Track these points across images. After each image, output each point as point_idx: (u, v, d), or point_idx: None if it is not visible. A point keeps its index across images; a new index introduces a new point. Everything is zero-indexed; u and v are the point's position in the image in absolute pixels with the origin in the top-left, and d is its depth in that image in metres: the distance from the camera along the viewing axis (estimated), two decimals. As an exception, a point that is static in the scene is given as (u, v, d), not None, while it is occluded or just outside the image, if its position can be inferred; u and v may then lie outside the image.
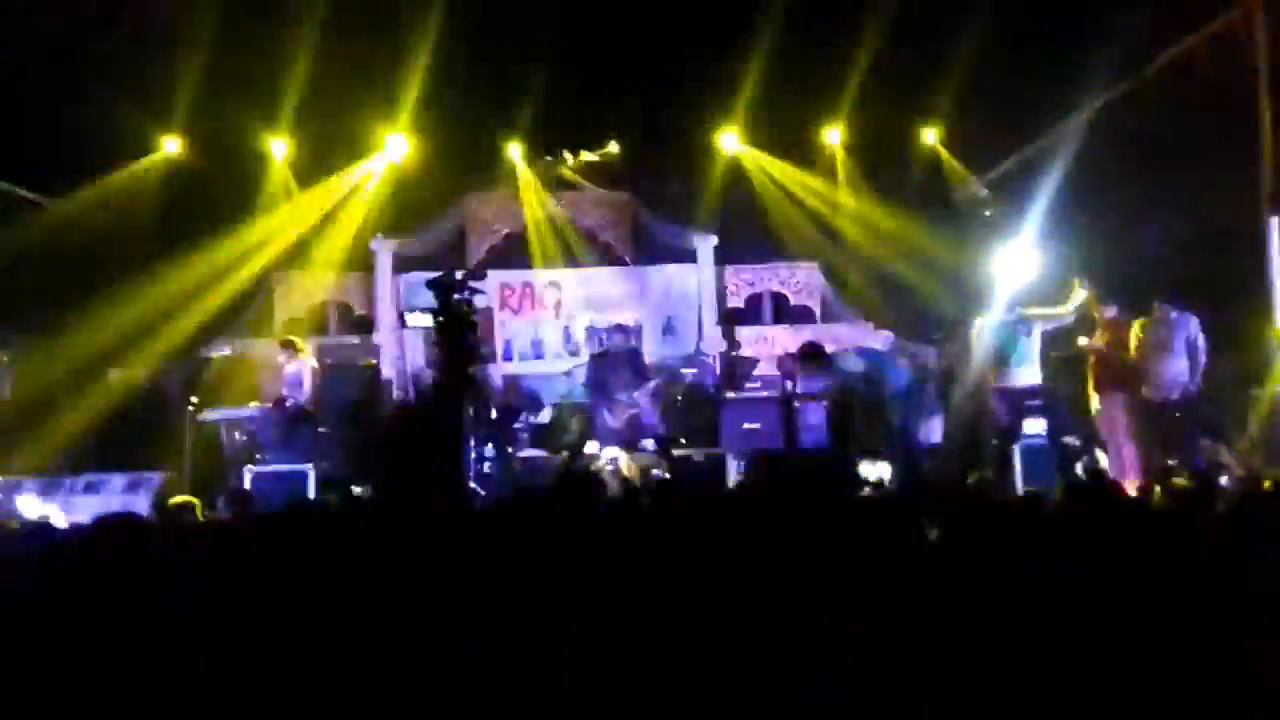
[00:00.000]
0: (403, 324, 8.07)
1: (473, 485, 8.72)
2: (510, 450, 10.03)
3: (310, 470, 9.41)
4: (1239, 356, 8.91)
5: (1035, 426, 8.54)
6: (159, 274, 11.50)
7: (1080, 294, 8.81)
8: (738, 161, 13.25)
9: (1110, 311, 8.63)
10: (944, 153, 13.07)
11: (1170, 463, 7.88)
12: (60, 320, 10.90)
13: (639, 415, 9.82)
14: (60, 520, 7.09)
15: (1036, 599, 2.65)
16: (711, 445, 10.34)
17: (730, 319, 13.35)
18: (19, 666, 2.61)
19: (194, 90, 11.25)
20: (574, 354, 12.76)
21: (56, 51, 10.05)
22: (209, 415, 10.56)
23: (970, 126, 12.42)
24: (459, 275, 7.78)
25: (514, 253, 13.51)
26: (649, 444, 9.94)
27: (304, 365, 10.23)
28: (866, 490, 5.13)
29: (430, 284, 7.10)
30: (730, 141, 13.09)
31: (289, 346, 10.45)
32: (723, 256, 13.41)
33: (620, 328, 11.07)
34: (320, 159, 12.76)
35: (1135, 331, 8.43)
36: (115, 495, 8.92)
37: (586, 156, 13.40)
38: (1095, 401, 8.68)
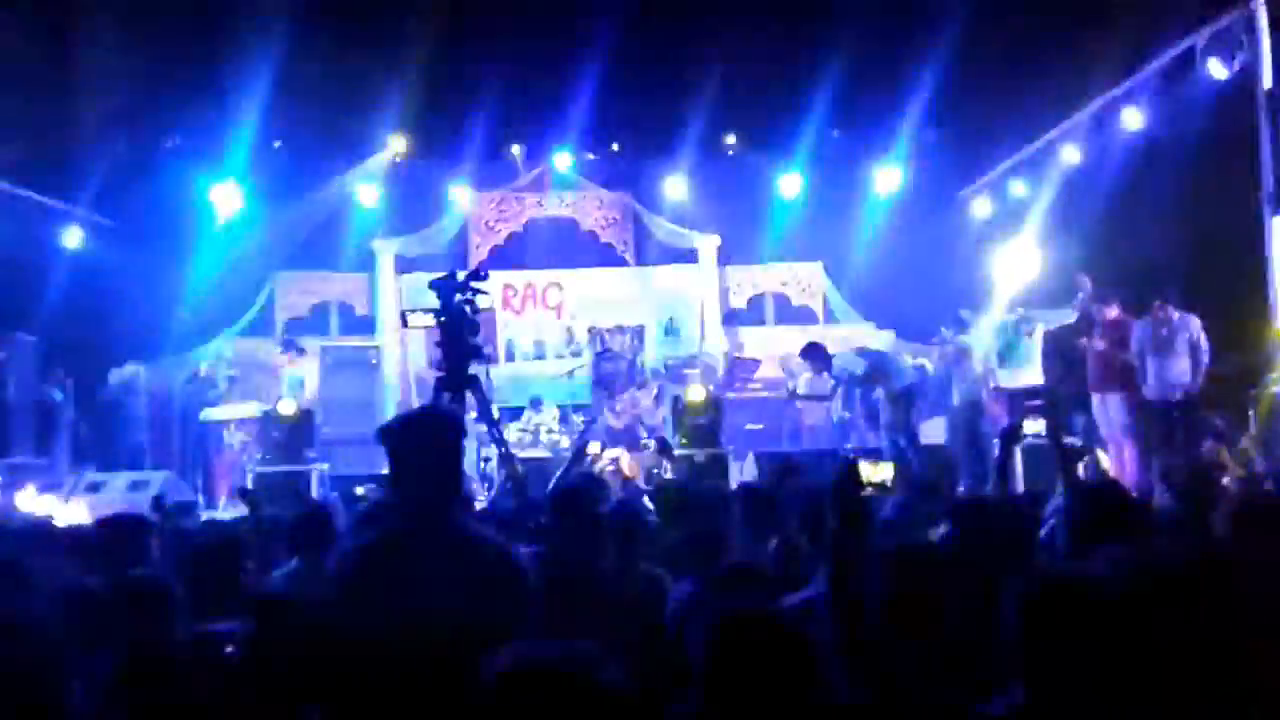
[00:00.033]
0: (405, 324, 8.07)
1: (474, 486, 8.74)
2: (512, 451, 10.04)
3: (313, 470, 9.42)
4: (1239, 356, 8.92)
5: (1035, 426, 8.55)
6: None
7: (1081, 294, 8.83)
8: (738, 162, 13.27)
9: (1111, 311, 8.64)
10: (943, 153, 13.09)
11: (1171, 463, 7.89)
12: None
13: (640, 415, 9.84)
14: (64, 518, 7.11)
15: (1036, 598, 2.66)
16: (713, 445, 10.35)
17: (732, 320, 13.38)
18: None
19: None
20: (576, 355, 12.78)
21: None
22: (211, 415, 10.58)
23: (970, 126, 12.43)
24: (462, 275, 7.79)
25: (515, 253, 13.53)
26: (650, 444, 9.96)
27: (306, 366, 10.25)
28: (869, 491, 5.13)
29: (433, 284, 7.10)
30: (731, 142, 13.11)
31: (291, 347, 10.47)
32: (724, 257, 13.43)
33: (621, 329, 11.08)
34: (321, 160, 12.79)
35: (1136, 332, 8.44)
36: (117, 495, 8.93)
37: (587, 156, 13.42)
38: (1096, 401, 8.69)
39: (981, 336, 9.77)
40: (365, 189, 12.92)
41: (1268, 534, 3.16)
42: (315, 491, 9.19)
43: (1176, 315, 8.31)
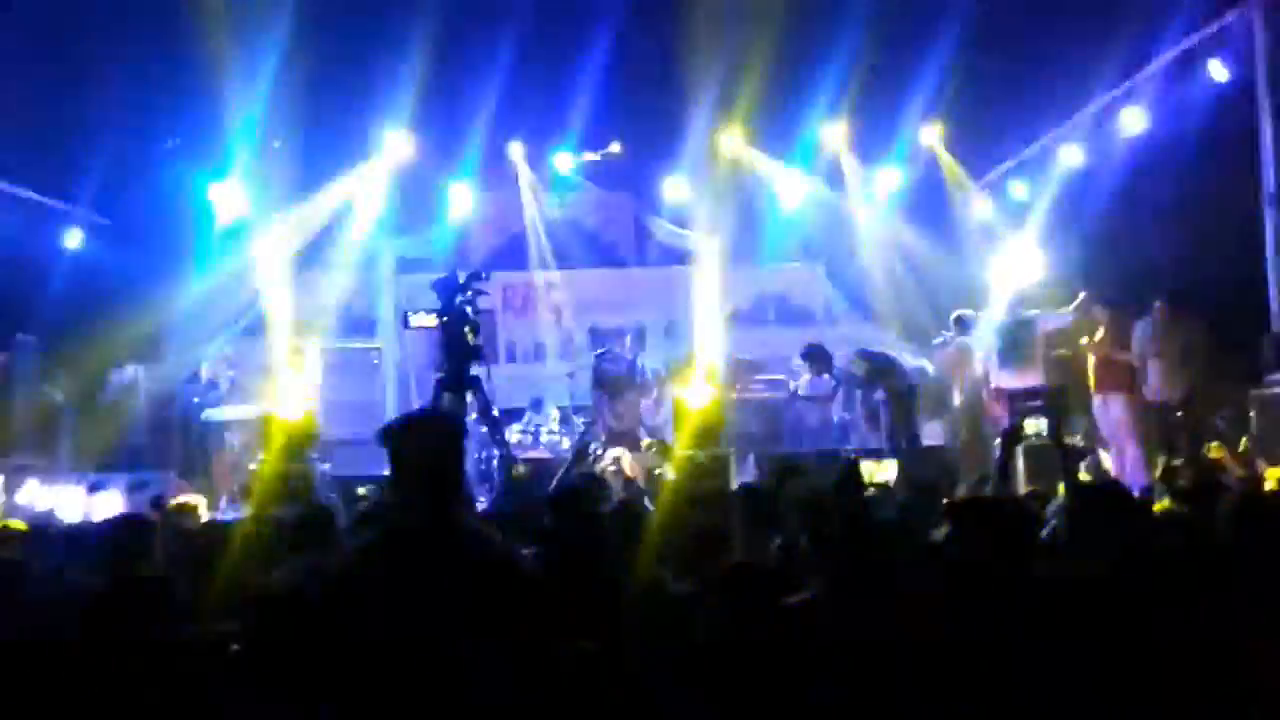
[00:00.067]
0: (406, 325, 8.07)
1: (474, 487, 8.73)
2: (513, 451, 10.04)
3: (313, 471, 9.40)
4: (1239, 356, 8.92)
5: (1035, 426, 8.55)
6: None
7: (1081, 294, 8.83)
8: (739, 162, 13.25)
9: (1111, 313, 8.64)
10: (943, 153, 13.07)
11: (1172, 463, 7.89)
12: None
13: (641, 416, 9.84)
14: (67, 516, 7.12)
15: (1037, 598, 2.67)
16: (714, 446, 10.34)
17: (732, 321, 13.36)
18: None
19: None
20: (576, 355, 12.78)
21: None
22: (212, 416, 10.58)
23: (970, 127, 12.42)
24: (462, 276, 7.79)
25: (516, 254, 13.52)
26: (651, 445, 9.95)
27: (307, 367, 10.25)
28: (870, 491, 5.14)
29: (434, 285, 7.12)
30: (731, 142, 13.09)
31: (291, 348, 10.47)
32: (724, 258, 13.42)
33: (622, 330, 11.08)
34: (321, 160, 12.77)
35: (1136, 333, 8.44)
36: (119, 495, 8.94)
37: (587, 156, 13.41)
38: (1097, 402, 8.70)
39: (982, 336, 9.76)
40: (365, 189, 12.91)
41: (1268, 534, 3.16)
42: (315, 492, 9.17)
43: (1176, 316, 8.31)
